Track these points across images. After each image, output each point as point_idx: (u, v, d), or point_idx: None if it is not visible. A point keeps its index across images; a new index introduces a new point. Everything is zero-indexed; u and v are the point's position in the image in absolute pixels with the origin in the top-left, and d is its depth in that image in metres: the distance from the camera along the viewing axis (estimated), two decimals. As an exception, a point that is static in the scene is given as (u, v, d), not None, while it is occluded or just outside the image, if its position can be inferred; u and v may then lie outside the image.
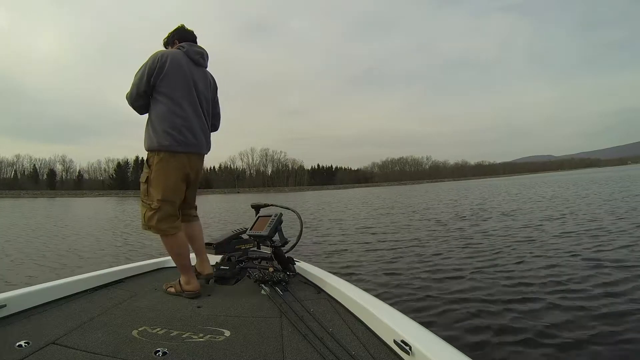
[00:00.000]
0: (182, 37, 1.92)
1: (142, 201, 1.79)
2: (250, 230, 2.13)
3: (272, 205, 2.31)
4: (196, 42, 1.95)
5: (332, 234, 7.75)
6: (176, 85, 1.73)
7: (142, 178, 1.78)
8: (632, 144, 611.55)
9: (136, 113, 1.86)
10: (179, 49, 1.85)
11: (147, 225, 1.77)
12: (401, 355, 1.07)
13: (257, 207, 2.30)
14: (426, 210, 12.21)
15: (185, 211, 1.99)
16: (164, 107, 1.72)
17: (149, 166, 1.75)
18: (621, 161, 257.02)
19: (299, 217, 2.13)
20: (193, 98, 1.78)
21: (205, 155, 1.95)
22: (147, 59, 1.77)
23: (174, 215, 1.78)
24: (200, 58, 1.88)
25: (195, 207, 2.07)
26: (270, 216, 2.03)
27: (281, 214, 2.03)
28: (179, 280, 1.79)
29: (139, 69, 1.77)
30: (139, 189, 1.82)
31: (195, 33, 1.95)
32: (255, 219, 2.16)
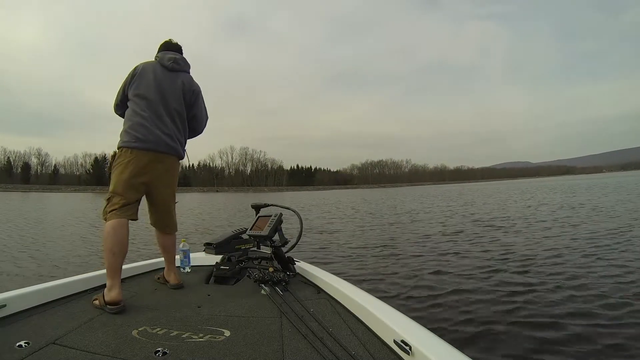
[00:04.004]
0: (165, 49, 2.04)
1: None
2: (250, 230, 2.13)
3: (272, 205, 2.32)
4: (181, 52, 2.06)
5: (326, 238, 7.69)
6: (140, 90, 1.87)
7: None
8: (605, 153, 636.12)
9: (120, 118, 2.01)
10: (156, 59, 2.00)
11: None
12: (401, 355, 1.08)
13: (257, 207, 2.30)
14: (426, 214, 12.16)
15: (158, 222, 1.98)
16: (130, 110, 1.87)
17: (113, 161, 1.86)
18: (596, 169, 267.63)
19: (299, 217, 2.14)
20: (155, 100, 1.86)
21: (181, 161, 2.01)
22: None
23: (119, 210, 1.74)
24: (172, 63, 1.95)
25: (171, 223, 2.01)
26: (270, 216, 2.04)
27: (281, 214, 2.04)
28: (104, 291, 1.61)
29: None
30: None
31: (179, 44, 2.08)
32: (255, 219, 2.17)
